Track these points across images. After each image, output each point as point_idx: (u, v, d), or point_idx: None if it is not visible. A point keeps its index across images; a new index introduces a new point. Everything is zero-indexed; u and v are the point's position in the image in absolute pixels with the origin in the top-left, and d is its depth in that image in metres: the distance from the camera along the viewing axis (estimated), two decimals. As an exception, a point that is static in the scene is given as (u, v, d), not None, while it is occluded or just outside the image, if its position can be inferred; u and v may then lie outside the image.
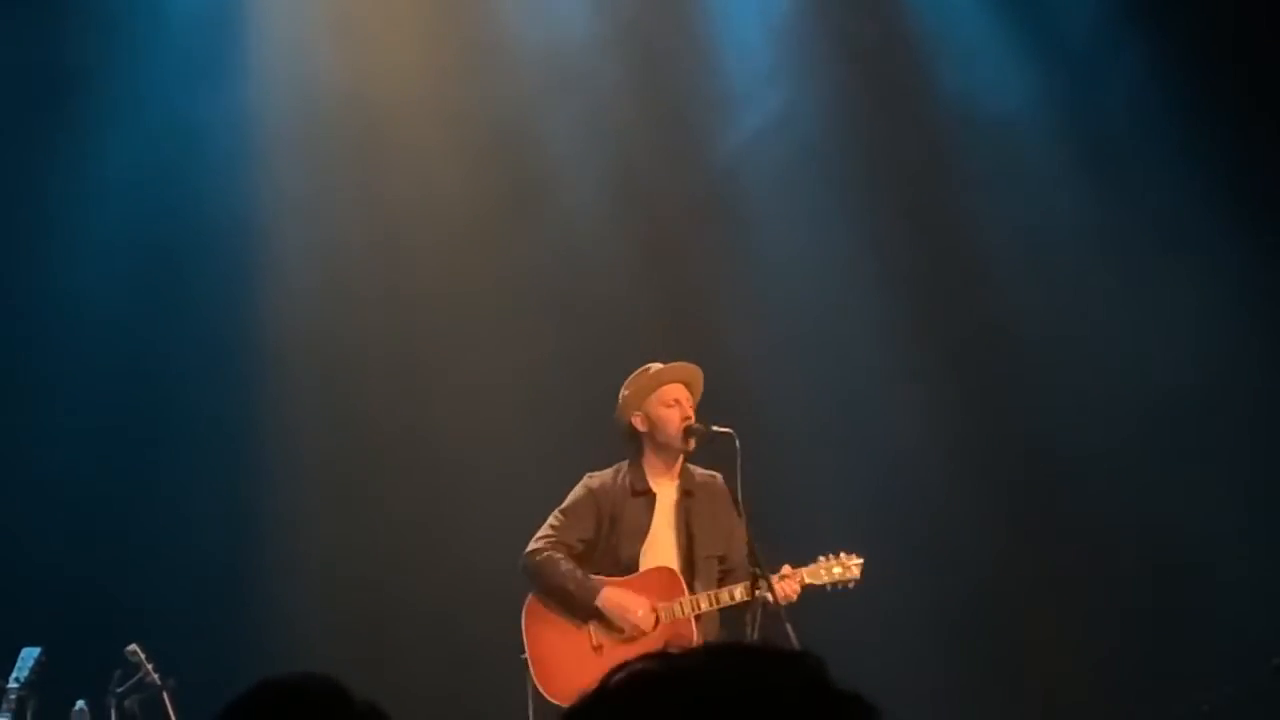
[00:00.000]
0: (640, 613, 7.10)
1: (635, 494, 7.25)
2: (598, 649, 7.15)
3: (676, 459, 7.33)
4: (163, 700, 7.42)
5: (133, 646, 7.47)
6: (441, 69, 9.70)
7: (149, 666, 7.43)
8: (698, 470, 7.33)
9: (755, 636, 7.10)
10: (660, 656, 1.80)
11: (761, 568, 7.04)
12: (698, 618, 7.13)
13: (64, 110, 9.42)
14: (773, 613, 7.01)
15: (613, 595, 7.14)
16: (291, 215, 9.52)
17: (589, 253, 9.63)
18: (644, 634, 7.04)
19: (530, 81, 9.67)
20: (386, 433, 9.54)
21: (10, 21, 9.33)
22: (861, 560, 7.17)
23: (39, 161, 9.40)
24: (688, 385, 7.33)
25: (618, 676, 1.79)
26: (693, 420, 7.23)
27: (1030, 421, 9.56)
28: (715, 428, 7.24)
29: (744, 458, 7.12)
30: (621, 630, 7.14)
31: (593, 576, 7.19)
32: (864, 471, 9.42)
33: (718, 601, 7.11)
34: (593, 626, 7.18)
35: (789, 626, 6.96)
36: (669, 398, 7.26)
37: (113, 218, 9.40)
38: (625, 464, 7.36)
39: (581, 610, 7.17)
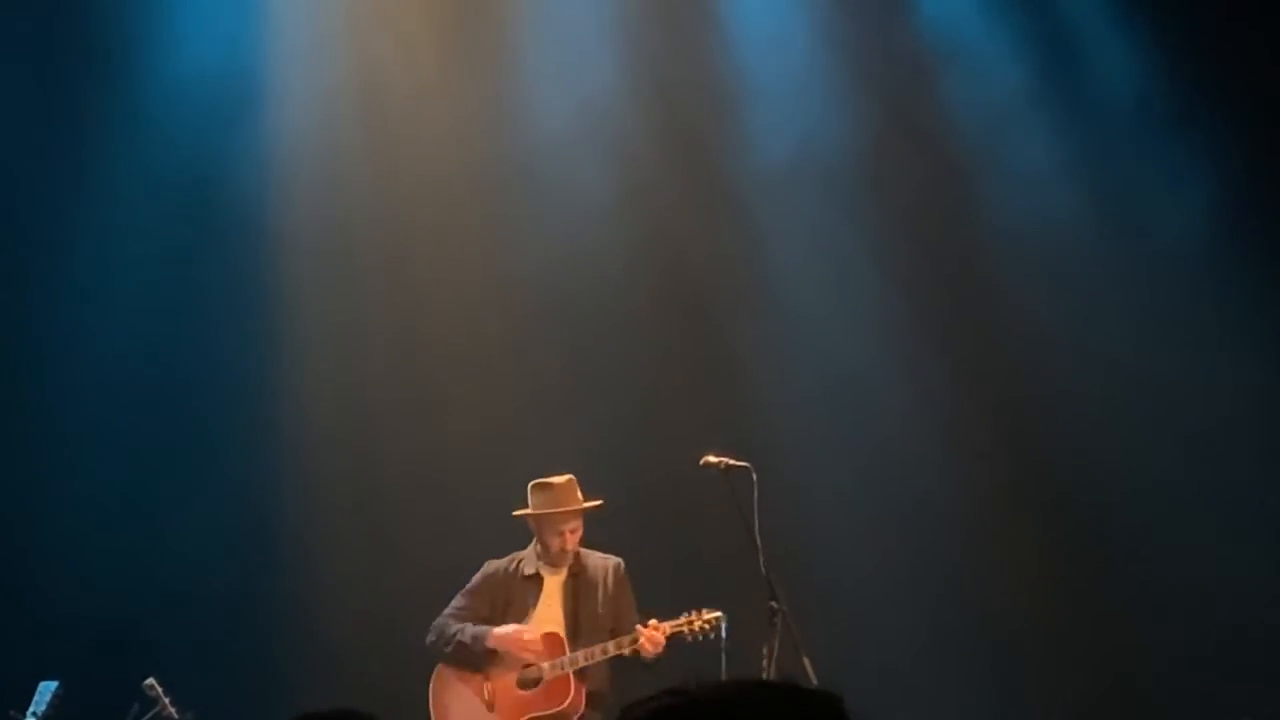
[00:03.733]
0: (528, 635, 7.69)
1: (525, 579, 7.89)
2: (490, 705, 7.74)
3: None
4: (180, 734, 7.43)
5: (150, 680, 7.47)
6: (458, 93, 9.77)
7: (166, 700, 7.43)
8: (594, 554, 7.90)
9: (772, 670, 7.14)
10: (682, 691, 1.80)
11: (778, 599, 7.10)
12: (579, 674, 7.62)
13: (84, 100, 9.47)
14: (795, 638, 7.10)
15: (501, 630, 7.76)
16: (306, 227, 9.58)
17: (609, 279, 9.68)
18: (535, 651, 7.64)
19: (551, 122, 9.72)
20: (405, 459, 9.54)
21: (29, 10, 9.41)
22: (720, 614, 7.46)
23: (48, 150, 9.45)
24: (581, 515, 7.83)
25: (639, 712, 1.79)
26: (578, 549, 7.83)
27: (1059, 461, 9.57)
28: (732, 461, 7.38)
29: (760, 490, 7.24)
30: (512, 671, 7.70)
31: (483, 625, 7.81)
32: (885, 503, 9.43)
33: (591, 657, 7.59)
34: (486, 685, 7.76)
35: (807, 661, 7.00)
36: (560, 527, 7.78)
37: (125, 222, 9.44)
38: (522, 552, 7.95)
39: (478, 659, 7.76)
